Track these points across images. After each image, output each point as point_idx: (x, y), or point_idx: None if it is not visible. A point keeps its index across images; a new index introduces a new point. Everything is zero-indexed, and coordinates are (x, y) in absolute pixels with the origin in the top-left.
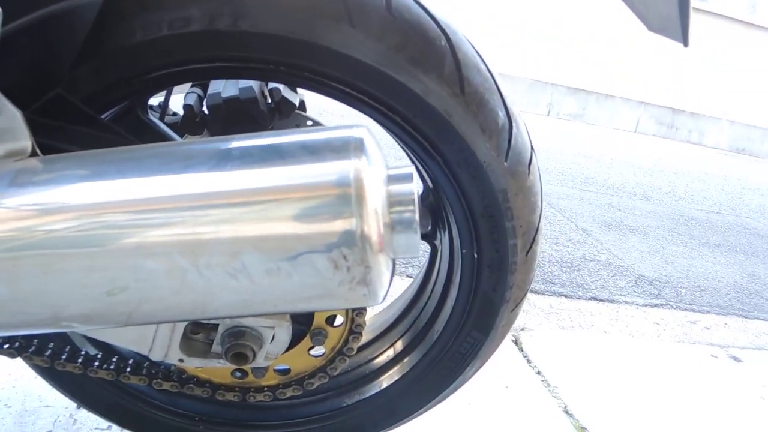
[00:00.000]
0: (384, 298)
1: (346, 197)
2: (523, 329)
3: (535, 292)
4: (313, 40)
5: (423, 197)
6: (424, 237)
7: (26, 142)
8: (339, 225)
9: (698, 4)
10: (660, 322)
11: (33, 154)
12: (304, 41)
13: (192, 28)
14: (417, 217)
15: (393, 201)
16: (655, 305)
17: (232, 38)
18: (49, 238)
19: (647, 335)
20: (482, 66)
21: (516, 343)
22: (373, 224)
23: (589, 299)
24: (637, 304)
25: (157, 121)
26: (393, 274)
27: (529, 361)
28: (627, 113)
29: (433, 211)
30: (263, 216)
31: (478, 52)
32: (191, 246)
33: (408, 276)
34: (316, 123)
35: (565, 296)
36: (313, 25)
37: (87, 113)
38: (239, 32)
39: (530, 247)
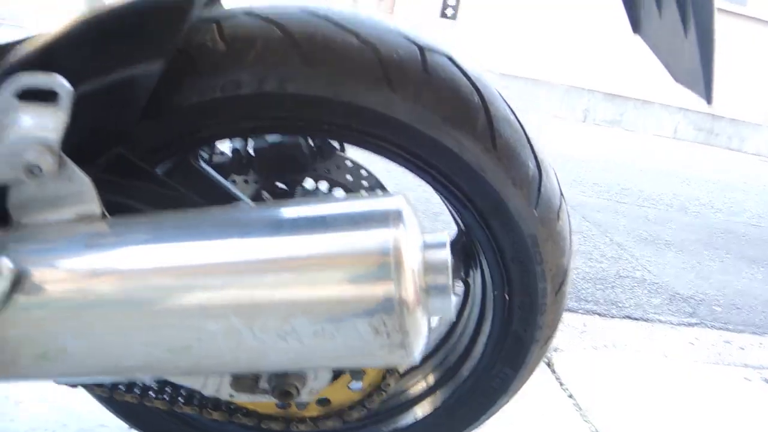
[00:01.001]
0: (420, 358)
1: (385, 266)
2: (555, 350)
3: (569, 310)
4: (354, 102)
5: (456, 240)
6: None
7: (95, 206)
8: (378, 292)
9: (738, 8)
10: (694, 341)
11: (101, 215)
12: (347, 103)
13: (242, 91)
14: (451, 282)
15: (429, 267)
16: (690, 324)
17: (279, 100)
18: (116, 298)
19: (681, 355)
20: (513, 119)
21: (548, 364)
22: (411, 291)
23: (623, 318)
24: (671, 323)
25: (208, 168)
26: (429, 334)
27: (561, 384)
28: (666, 119)
29: (466, 252)
30: (310, 282)
31: (509, 106)
32: (247, 309)
33: None
34: (355, 164)
35: (599, 314)
36: (354, 88)
37: (145, 170)
38: (286, 94)
39: (559, 289)
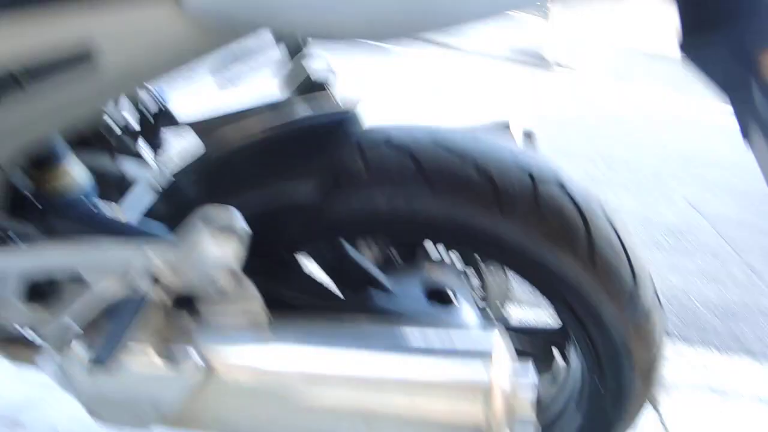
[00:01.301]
0: None
1: (476, 396)
2: (664, 386)
3: (686, 340)
4: (469, 223)
5: (552, 330)
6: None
7: (260, 310)
8: (469, 419)
9: None
10: None
11: (265, 317)
12: (462, 223)
13: (377, 207)
14: (534, 417)
15: (516, 401)
16: None
17: (408, 217)
18: (272, 388)
19: None
20: (614, 237)
21: (653, 403)
22: (498, 422)
23: (745, 354)
24: None
25: (358, 256)
26: None
27: (665, 428)
28: None
29: (566, 336)
30: (415, 398)
31: (612, 224)
32: (367, 413)
33: None
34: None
35: (718, 349)
36: (470, 211)
37: (295, 262)
38: (412, 211)
39: (647, 377)
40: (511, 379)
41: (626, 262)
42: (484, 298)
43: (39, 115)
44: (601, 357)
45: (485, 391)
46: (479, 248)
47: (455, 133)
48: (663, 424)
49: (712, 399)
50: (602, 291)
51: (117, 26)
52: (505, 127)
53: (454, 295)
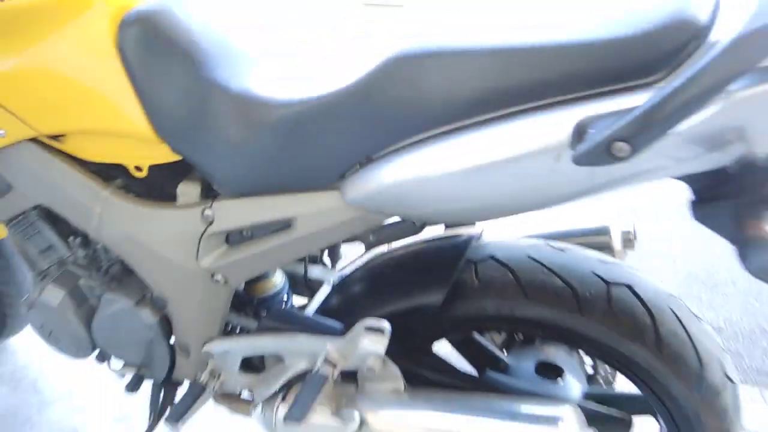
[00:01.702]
0: None
1: None
2: None
3: None
4: (556, 322)
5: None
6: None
7: (399, 381)
8: None
9: None
10: None
11: (403, 386)
12: (552, 322)
13: (486, 313)
14: None
15: None
16: None
17: (510, 320)
18: None
19: None
20: (680, 329)
21: None
22: None
23: None
24: None
25: (483, 339)
26: None
27: None
28: None
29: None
30: None
31: (678, 317)
32: None
33: None
34: None
35: None
36: (557, 314)
37: (427, 350)
38: (514, 317)
39: None
40: None
41: (692, 349)
42: (594, 371)
43: (260, 256)
44: (679, 425)
45: None
46: (566, 340)
47: (546, 248)
48: None
49: None
50: (671, 374)
51: (308, 208)
52: (605, 233)
53: (562, 369)
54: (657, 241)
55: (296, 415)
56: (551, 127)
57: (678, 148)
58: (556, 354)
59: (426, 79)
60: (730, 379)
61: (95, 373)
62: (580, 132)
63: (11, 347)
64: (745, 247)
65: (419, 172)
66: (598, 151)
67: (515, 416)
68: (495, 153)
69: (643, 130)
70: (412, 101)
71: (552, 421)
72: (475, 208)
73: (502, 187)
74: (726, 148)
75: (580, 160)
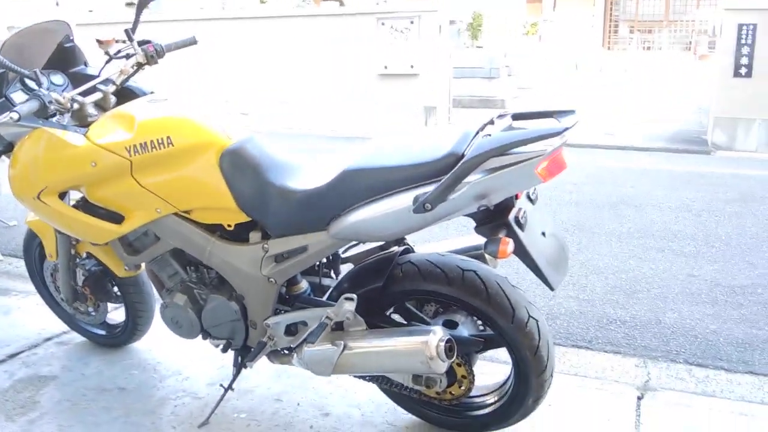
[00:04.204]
0: None
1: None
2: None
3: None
4: (439, 293)
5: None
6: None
7: (364, 327)
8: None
9: None
10: None
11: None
12: (435, 293)
13: (406, 290)
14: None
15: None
16: None
17: (416, 291)
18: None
19: None
20: (500, 291)
21: (639, 398)
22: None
23: None
24: None
25: (415, 310)
26: None
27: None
28: None
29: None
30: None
31: (499, 284)
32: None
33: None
34: None
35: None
36: (440, 288)
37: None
38: (420, 291)
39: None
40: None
41: (506, 300)
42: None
43: (291, 266)
44: (511, 345)
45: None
46: (447, 304)
47: (435, 254)
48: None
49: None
50: (497, 315)
51: (314, 240)
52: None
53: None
54: None
55: (312, 339)
56: (406, 198)
57: (455, 204)
58: (456, 316)
59: (363, 178)
60: (532, 317)
61: (192, 353)
62: (415, 199)
63: (134, 346)
64: (488, 243)
65: (362, 217)
66: (419, 207)
67: (413, 332)
68: (390, 208)
69: (435, 198)
70: (355, 188)
71: (428, 331)
72: (384, 233)
73: (393, 223)
74: (478, 201)
75: (416, 211)
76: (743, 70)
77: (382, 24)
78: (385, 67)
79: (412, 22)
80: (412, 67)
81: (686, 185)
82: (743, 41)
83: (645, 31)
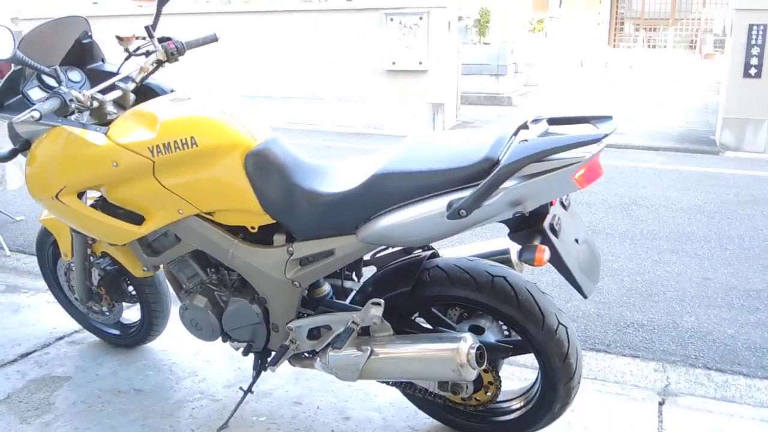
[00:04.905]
0: None
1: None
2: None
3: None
4: (468, 298)
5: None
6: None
7: (390, 332)
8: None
9: None
10: None
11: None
12: (464, 298)
13: (433, 296)
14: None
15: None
16: None
17: (444, 297)
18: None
19: None
20: (530, 297)
21: (661, 404)
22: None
23: None
24: None
25: (441, 315)
26: None
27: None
28: None
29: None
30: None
31: (528, 290)
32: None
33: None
34: None
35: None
36: (469, 294)
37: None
38: (449, 296)
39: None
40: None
41: (536, 307)
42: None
43: (317, 270)
44: (540, 352)
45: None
46: (474, 309)
47: (464, 259)
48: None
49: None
50: (526, 321)
51: (341, 244)
52: (507, 253)
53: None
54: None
55: (338, 344)
56: (440, 203)
57: (490, 210)
58: (482, 321)
59: (394, 182)
60: (562, 324)
61: (207, 354)
62: (450, 205)
63: (149, 346)
64: (523, 250)
65: (394, 222)
66: (454, 213)
67: (442, 339)
68: (423, 214)
69: (471, 205)
70: (386, 192)
71: (458, 338)
72: (415, 239)
73: (425, 229)
74: (513, 207)
75: (450, 217)
76: (753, 71)
77: (391, 20)
78: (393, 63)
79: (420, 18)
80: (420, 63)
81: (697, 186)
82: (753, 42)
83: (650, 29)
